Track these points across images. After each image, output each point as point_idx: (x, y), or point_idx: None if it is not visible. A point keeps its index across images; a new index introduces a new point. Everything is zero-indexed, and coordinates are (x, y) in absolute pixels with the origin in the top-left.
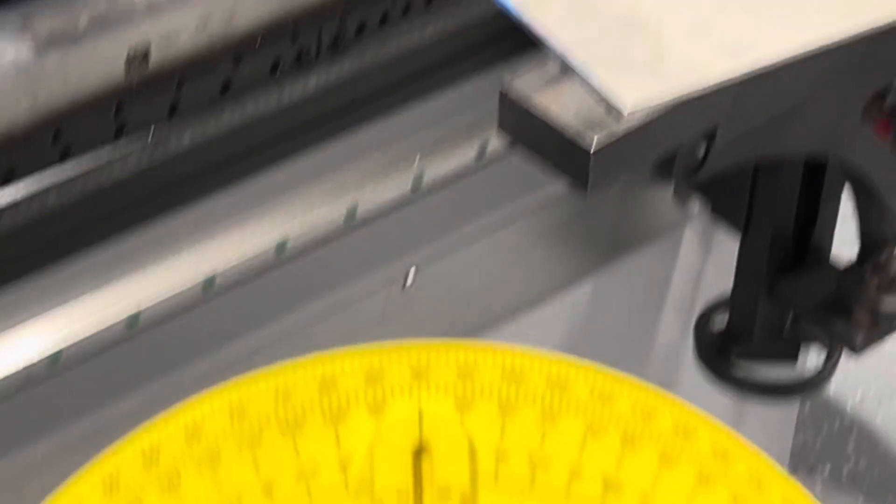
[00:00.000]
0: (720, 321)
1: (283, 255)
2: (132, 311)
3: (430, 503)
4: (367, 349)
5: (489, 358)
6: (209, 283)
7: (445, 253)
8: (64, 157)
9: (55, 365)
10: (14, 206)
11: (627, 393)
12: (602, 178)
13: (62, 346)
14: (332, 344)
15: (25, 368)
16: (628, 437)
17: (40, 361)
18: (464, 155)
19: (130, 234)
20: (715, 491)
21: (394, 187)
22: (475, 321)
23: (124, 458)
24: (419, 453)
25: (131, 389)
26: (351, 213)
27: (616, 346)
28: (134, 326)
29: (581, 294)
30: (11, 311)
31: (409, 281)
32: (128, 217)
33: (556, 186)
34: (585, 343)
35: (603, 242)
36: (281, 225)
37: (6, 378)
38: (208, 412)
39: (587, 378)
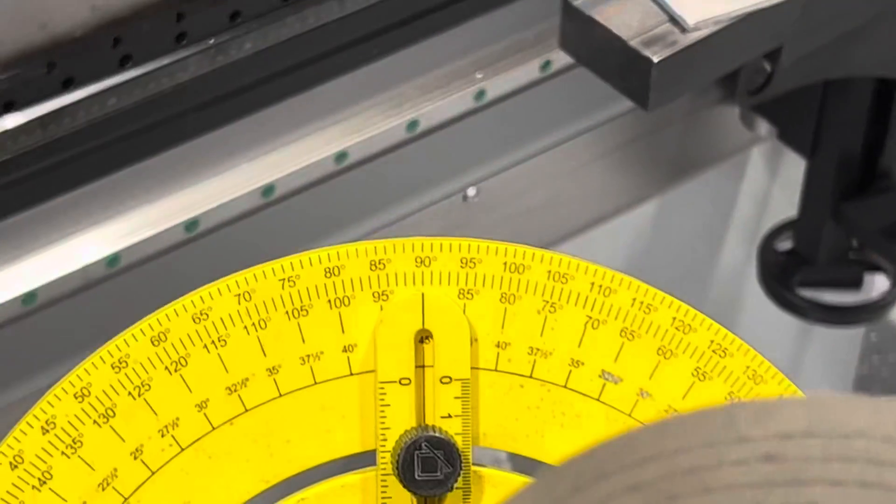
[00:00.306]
0: (785, 245)
1: (342, 166)
2: (191, 215)
3: (431, 390)
4: (371, 241)
5: (492, 250)
6: (268, 190)
7: (507, 168)
8: (124, 63)
9: (114, 266)
10: (74, 111)
11: (627, 288)
12: (663, 93)
13: (121, 248)
14: None
15: (84, 269)
16: (627, 330)
17: (99, 262)
18: (526, 70)
19: (191, 141)
20: (712, 386)
21: (455, 102)
22: (535, 239)
23: (132, 340)
24: (422, 341)
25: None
26: (412, 127)
27: (679, 268)
28: (193, 230)
29: (644, 215)
30: (74, 215)
31: (471, 195)
32: (188, 124)
33: (620, 104)
34: (647, 264)
35: (668, 163)
36: (341, 137)
37: (67, 277)
38: (216, 296)
39: (588, 272)
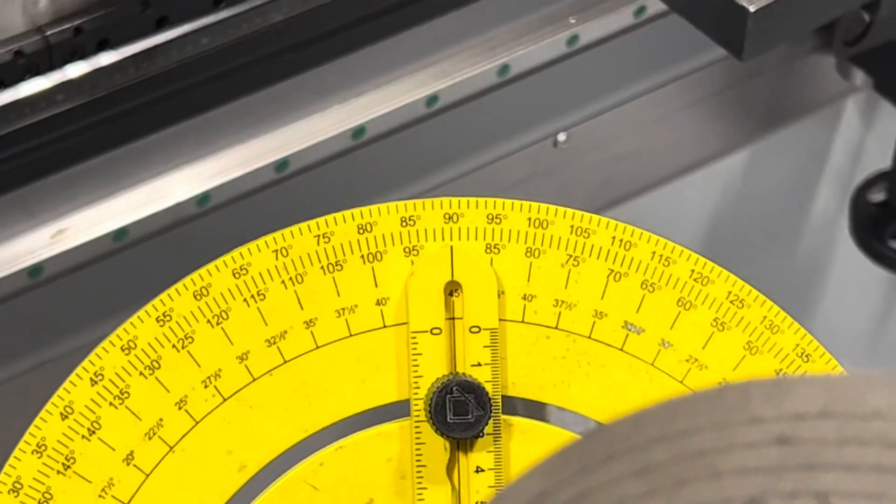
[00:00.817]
0: (878, 196)
1: (432, 110)
2: (282, 155)
3: (462, 340)
4: (402, 201)
5: (517, 207)
6: (359, 132)
7: (598, 115)
8: (218, 3)
9: (204, 205)
10: (167, 50)
11: (646, 242)
12: (759, 43)
13: (211, 186)
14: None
15: (174, 207)
16: (648, 282)
17: (189, 200)
18: (620, 16)
19: (283, 82)
20: (730, 336)
21: (548, 47)
22: (626, 185)
23: (175, 295)
24: (451, 294)
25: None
26: (503, 72)
27: (770, 218)
28: (283, 171)
29: (736, 164)
30: (165, 153)
31: (561, 141)
32: (280, 65)
33: (713, 52)
34: (738, 214)
35: (761, 112)
36: (432, 80)
37: (158, 214)
38: (255, 252)
39: (608, 227)
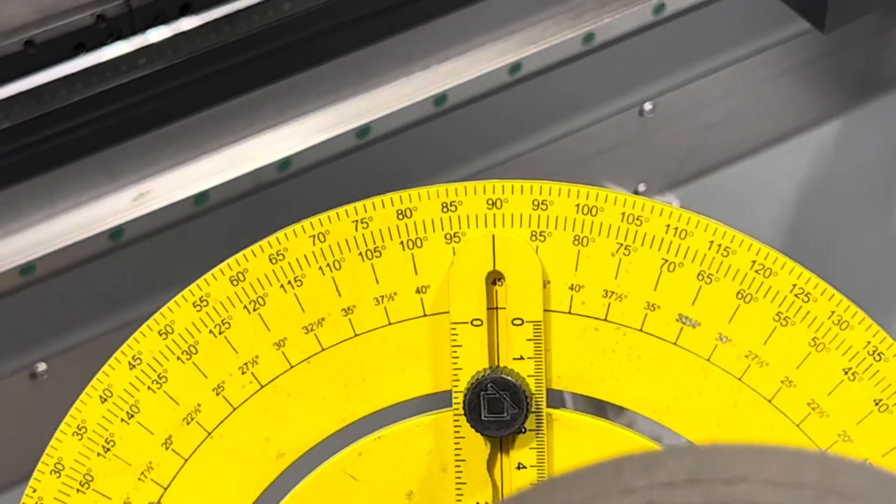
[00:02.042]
0: None
1: (516, 77)
2: (363, 122)
3: (504, 332)
4: (443, 185)
5: (564, 192)
6: (440, 100)
7: (685, 84)
8: None
9: (284, 171)
10: (248, 15)
11: (704, 230)
12: (841, 14)
13: (292, 152)
14: (565, 168)
15: (255, 171)
16: (705, 273)
17: (270, 165)
18: None
19: (365, 49)
20: (794, 331)
21: (634, 15)
22: (712, 155)
23: (212, 280)
24: (494, 283)
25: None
26: (588, 40)
27: (860, 189)
28: (364, 137)
29: (827, 135)
30: (246, 119)
31: (647, 110)
32: (362, 31)
33: (803, 22)
34: (828, 185)
35: (853, 83)
36: (516, 48)
37: (239, 179)
38: (292, 237)
39: (663, 214)
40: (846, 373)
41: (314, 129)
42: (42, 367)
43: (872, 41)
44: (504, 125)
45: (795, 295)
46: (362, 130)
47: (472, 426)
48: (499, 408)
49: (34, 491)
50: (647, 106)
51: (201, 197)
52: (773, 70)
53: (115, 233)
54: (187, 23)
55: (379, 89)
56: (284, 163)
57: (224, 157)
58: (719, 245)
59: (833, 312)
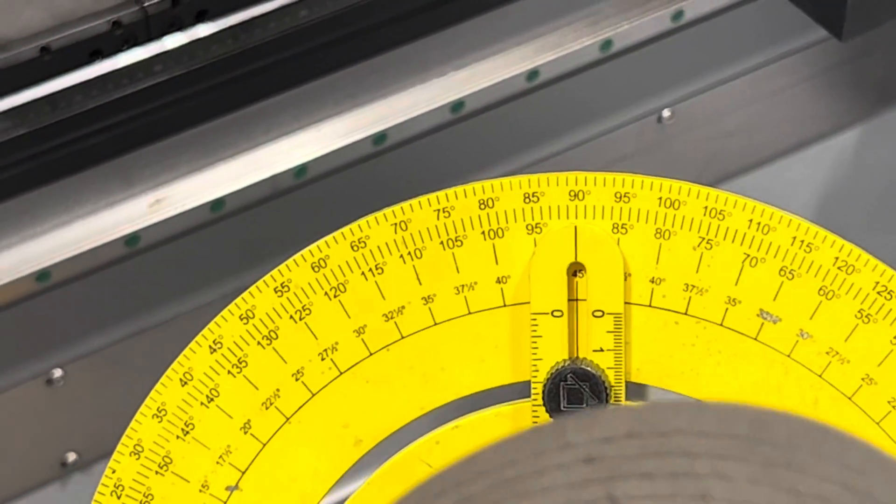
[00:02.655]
0: None
1: (533, 84)
2: (380, 128)
3: (584, 323)
4: (525, 175)
5: (647, 185)
6: (458, 106)
7: (704, 91)
8: None
9: (301, 177)
10: (265, 22)
11: (786, 226)
12: (859, 22)
13: (309, 159)
14: None
15: (272, 178)
16: (787, 269)
17: (287, 172)
18: None
19: (382, 55)
20: (876, 328)
21: (652, 22)
22: (732, 162)
23: (294, 266)
24: (574, 274)
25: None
26: (606, 47)
27: (879, 197)
28: (381, 143)
29: (846, 142)
30: (263, 125)
31: (666, 117)
32: (380, 37)
33: (822, 29)
34: (847, 193)
35: (872, 90)
36: (534, 55)
37: (256, 186)
38: (374, 225)
39: (745, 209)
40: None
41: (331, 135)
42: (58, 373)
43: (892, 49)
44: (521, 132)
45: (878, 292)
46: (379, 137)
47: (551, 416)
48: (578, 398)
49: (113, 472)
50: (666, 113)
51: (217, 204)
52: (792, 77)
53: (131, 239)
54: (203, 29)
55: (396, 96)
56: (301, 169)
57: (240, 164)
58: (802, 241)
59: None
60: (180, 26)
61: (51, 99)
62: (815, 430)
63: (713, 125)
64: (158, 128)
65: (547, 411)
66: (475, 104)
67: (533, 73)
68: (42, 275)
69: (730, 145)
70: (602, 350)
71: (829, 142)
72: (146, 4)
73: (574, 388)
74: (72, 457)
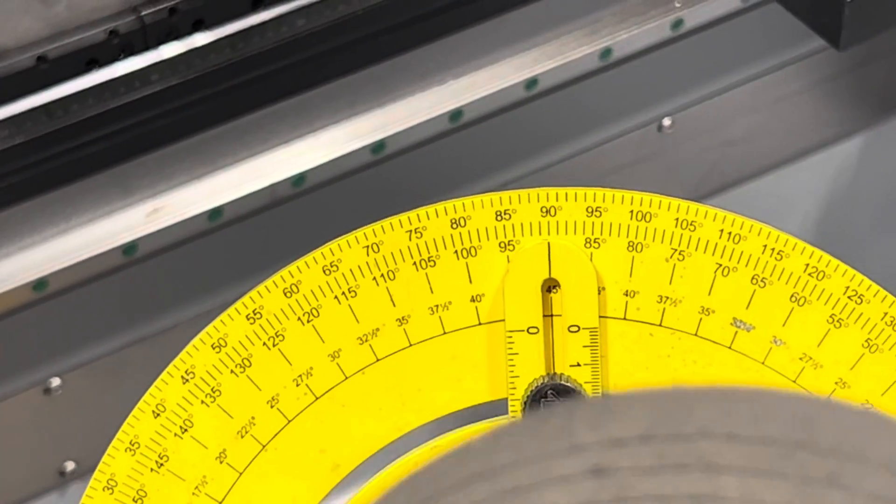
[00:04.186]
0: None
1: (532, 93)
2: (379, 137)
3: (560, 339)
4: (496, 192)
5: (618, 199)
6: (456, 115)
7: (704, 100)
8: None
9: (300, 186)
10: (263, 31)
11: (757, 235)
12: (857, 32)
13: (308, 167)
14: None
15: (270, 187)
16: (758, 277)
17: (285, 181)
18: (725, 1)
19: (380, 64)
20: (848, 333)
21: (652, 31)
22: (733, 171)
23: (265, 292)
24: (549, 290)
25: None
26: (606, 56)
27: (882, 206)
28: (379, 153)
29: (848, 151)
30: (261, 134)
31: (666, 126)
32: (378, 47)
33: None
34: (849, 203)
35: (874, 98)
36: (533, 64)
37: (254, 195)
38: (346, 248)
39: (716, 219)
40: None
41: (329, 144)
42: (56, 382)
43: (892, 58)
44: (521, 141)
45: (849, 297)
46: (377, 146)
47: None
48: None
49: None
50: (666, 122)
51: (215, 212)
52: (793, 86)
53: (129, 248)
54: (200, 38)
55: (394, 105)
56: (299, 178)
57: (238, 173)
58: (773, 249)
59: (886, 314)
60: (177, 35)
61: (47, 108)
62: (872, 425)
63: (714, 134)
64: (156, 137)
65: None
66: (474, 113)
67: (532, 82)
68: (39, 284)
69: (731, 154)
70: (579, 365)
71: (831, 151)
72: (143, 14)
73: (554, 403)
74: (70, 466)
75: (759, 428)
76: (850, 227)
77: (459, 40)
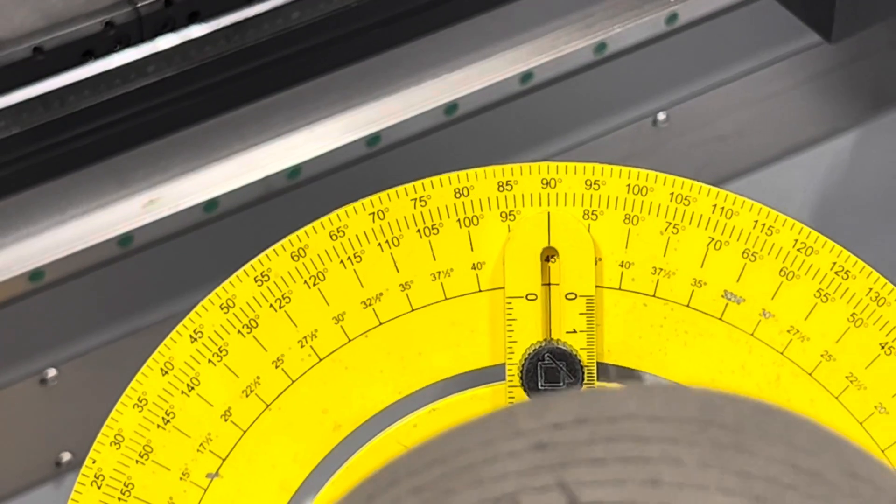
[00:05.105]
0: None
1: (527, 87)
2: (373, 130)
3: (557, 306)
4: (499, 165)
5: (615, 173)
6: (451, 109)
7: (699, 94)
8: None
9: (295, 178)
10: (258, 23)
11: (748, 210)
12: (848, 25)
13: (302, 160)
14: None
15: (265, 179)
16: (749, 251)
17: (280, 173)
18: None
19: (375, 57)
20: (834, 307)
21: (646, 25)
22: (728, 166)
23: (273, 255)
24: (547, 260)
25: None
26: (600, 50)
27: (875, 201)
28: (374, 145)
29: (841, 146)
30: (256, 126)
31: (661, 120)
32: (373, 39)
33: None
34: (842, 198)
35: (868, 94)
36: (527, 57)
37: (249, 187)
38: (352, 214)
39: (710, 195)
40: (883, 347)
41: (324, 137)
42: (52, 373)
43: (885, 53)
44: (515, 135)
45: (836, 272)
46: (372, 139)
47: (528, 396)
48: (555, 377)
49: (94, 462)
50: (661, 116)
51: (211, 204)
52: (787, 81)
53: (125, 239)
54: (196, 30)
55: (389, 98)
56: (294, 170)
57: (234, 165)
58: (763, 224)
59: (871, 289)
60: (173, 27)
61: (43, 99)
62: (763, 411)
63: (709, 128)
64: (152, 128)
65: (525, 391)
66: (469, 106)
67: (527, 76)
68: (35, 274)
69: (726, 148)
70: (575, 331)
71: (825, 145)
72: (139, 5)
73: (551, 367)
74: (66, 456)
75: (674, 412)
76: (843, 222)
77: (455, 33)
